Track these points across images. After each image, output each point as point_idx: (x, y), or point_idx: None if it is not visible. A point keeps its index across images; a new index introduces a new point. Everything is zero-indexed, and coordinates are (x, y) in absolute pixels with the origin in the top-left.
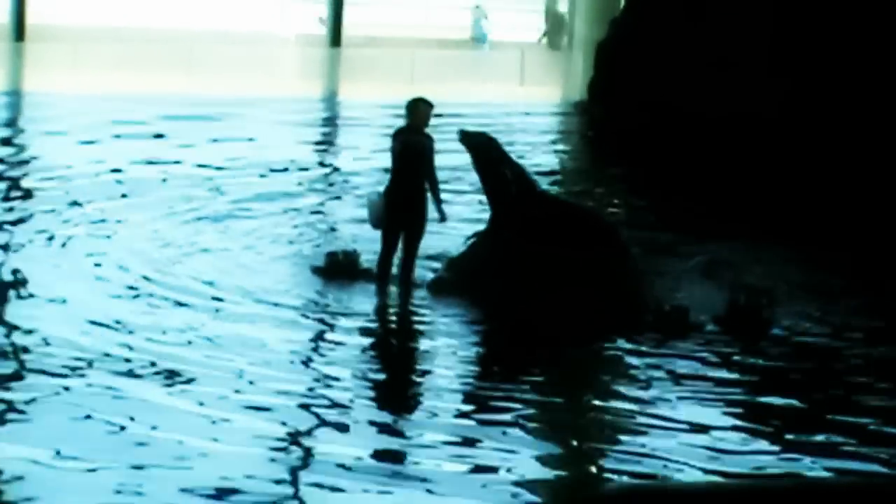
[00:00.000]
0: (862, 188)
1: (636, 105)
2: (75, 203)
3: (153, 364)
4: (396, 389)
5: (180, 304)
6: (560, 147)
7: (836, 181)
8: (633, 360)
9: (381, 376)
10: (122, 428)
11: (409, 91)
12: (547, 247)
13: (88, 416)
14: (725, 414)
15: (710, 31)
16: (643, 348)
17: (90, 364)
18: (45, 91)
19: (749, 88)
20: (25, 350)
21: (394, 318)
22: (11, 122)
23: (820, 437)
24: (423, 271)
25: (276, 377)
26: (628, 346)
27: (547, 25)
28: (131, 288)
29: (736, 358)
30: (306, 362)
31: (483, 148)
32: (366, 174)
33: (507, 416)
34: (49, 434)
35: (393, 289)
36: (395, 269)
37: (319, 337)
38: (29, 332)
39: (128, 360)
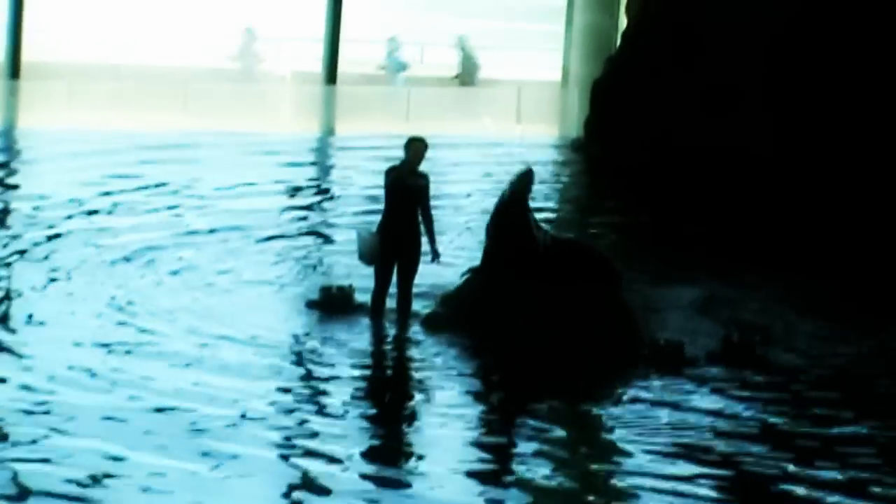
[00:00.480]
0: (859, 221)
1: (633, 142)
2: (48, 237)
3: (138, 394)
4: (389, 433)
5: (163, 334)
6: (556, 183)
7: (833, 215)
8: (622, 402)
9: (375, 411)
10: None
11: (404, 128)
12: (542, 282)
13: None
14: (705, 462)
15: (704, 68)
16: (634, 386)
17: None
18: (38, 127)
19: (743, 125)
20: None
21: (388, 354)
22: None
23: (801, 490)
24: (417, 307)
25: (268, 413)
26: (621, 384)
27: (460, 62)
28: (116, 323)
29: (722, 405)
30: (299, 399)
31: (527, 191)
32: (354, 206)
33: (501, 459)
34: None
35: (387, 324)
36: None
37: (312, 374)
38: None
39: (111, 385)
